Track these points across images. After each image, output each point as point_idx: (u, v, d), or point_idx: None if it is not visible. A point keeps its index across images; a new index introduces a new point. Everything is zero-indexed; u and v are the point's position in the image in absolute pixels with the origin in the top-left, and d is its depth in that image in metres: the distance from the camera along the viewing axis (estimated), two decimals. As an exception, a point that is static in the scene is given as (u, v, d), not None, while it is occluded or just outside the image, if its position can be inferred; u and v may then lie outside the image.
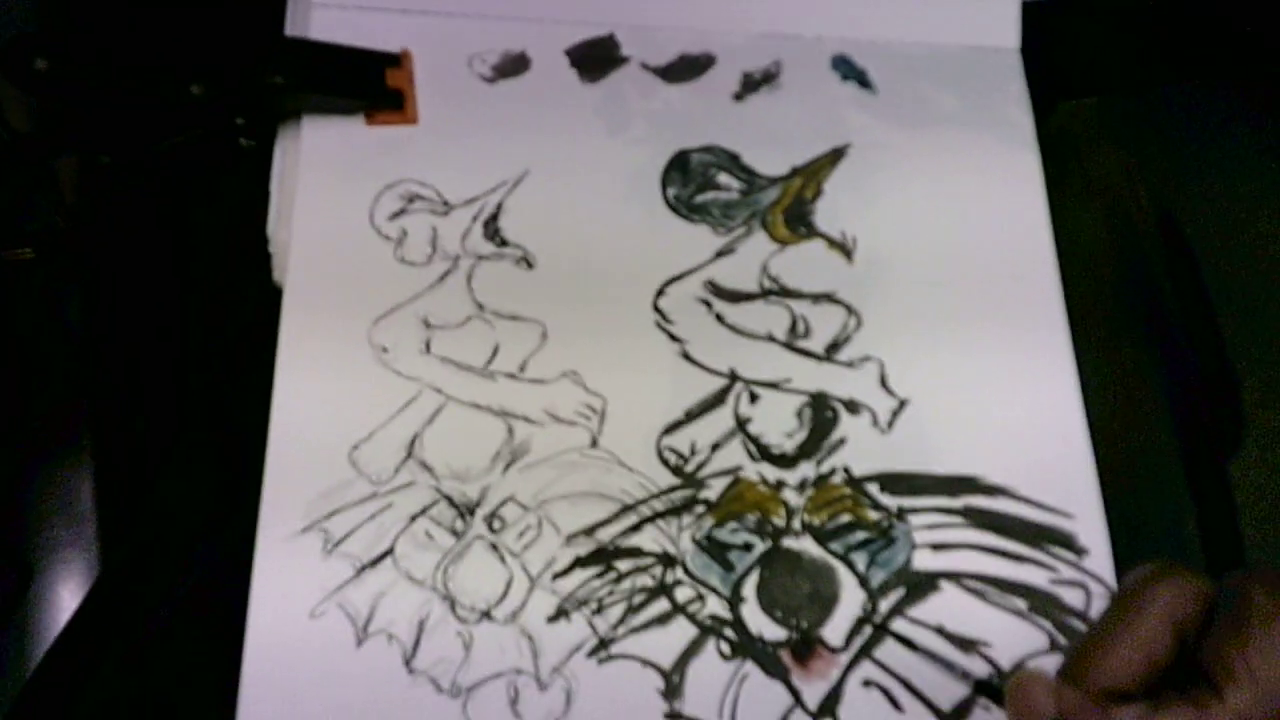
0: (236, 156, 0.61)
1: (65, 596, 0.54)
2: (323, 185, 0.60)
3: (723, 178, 0.64)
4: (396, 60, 0.64)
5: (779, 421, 0.58)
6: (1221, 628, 0.37)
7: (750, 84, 0.67)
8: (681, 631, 0.53)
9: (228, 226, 0.61)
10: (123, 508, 0.56)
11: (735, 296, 0.61)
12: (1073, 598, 0.55)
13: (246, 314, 0.58)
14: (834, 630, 0.53)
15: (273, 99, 0.61)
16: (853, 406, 0.58)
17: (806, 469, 0.57)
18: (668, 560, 0.54)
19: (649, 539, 0.55)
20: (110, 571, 0.54)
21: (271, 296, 0.58)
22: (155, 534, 0.55)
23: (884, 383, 0.59)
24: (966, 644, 0.54)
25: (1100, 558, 0.55)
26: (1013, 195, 0.65)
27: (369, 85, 0.63)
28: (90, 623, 0.53)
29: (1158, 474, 0.59)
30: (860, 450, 0.57)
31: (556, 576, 0.54)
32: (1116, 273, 0.65)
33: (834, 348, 0.60)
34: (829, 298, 0.61)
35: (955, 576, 0.55)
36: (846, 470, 0.57)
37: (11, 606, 0.53)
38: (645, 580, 0.54)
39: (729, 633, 0.53)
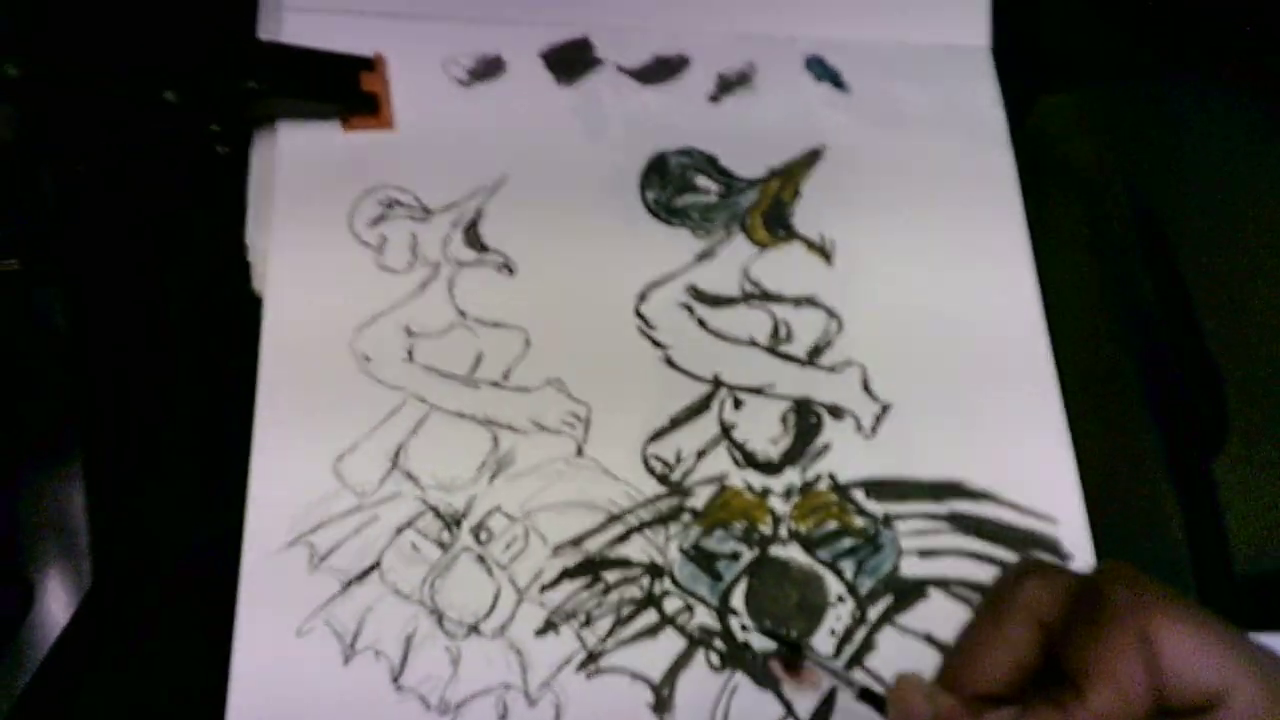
0: (213, 164, 0.60)
1: (57, 610, 0.53)
2: (300, 192, 0.60)
3: (701, 180, 0.63)
4: (371, 64, 0.63)
5: (763, 427, 0.58)
6: (1080, 628, 0.36)
7: (725, 85, 0.66)
8: (670, 643, 0.53)
9: (206, 234, 0.60)
10: (114, 519, 0.55)
11: (717, 301, 0.61)
12: (1057, 602, 0.55)
13: (227, 324, 0.57)
14: (824, 639, 0.53)
15: (247, 104, 0.60)
16: (836, 412, 0.58)
17: (792, 475, 0.57)
18: (655, 571, 0.54)
19: (636, 549, 0.54)
20: (99, 586, 0.53)
21: (252, 305, 0.57)
22: (146, 547, 0.54)
23: (866, 387, 0.59)
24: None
25: (1084, 562, 0.56)
26: (987, 194, 0.65)
27: (344, 89, 0.62)
28: (80, 636, 0.52)
29: (1141, 474, 0.60)
30: (845, 456, 0.57)
31: (544, 588, 0.53)
32: (1094, 268, 0.65)
33: (816, 352, 0.60)
34: (810, 301, 0.61)
35: (943, 583, 0.55)
36: (832, 477, 0.57)
37: (15, 626, 0.52)
38: (633, 591, 0.54)
39: (718, 643, 0.53)
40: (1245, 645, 0.35)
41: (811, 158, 0.65)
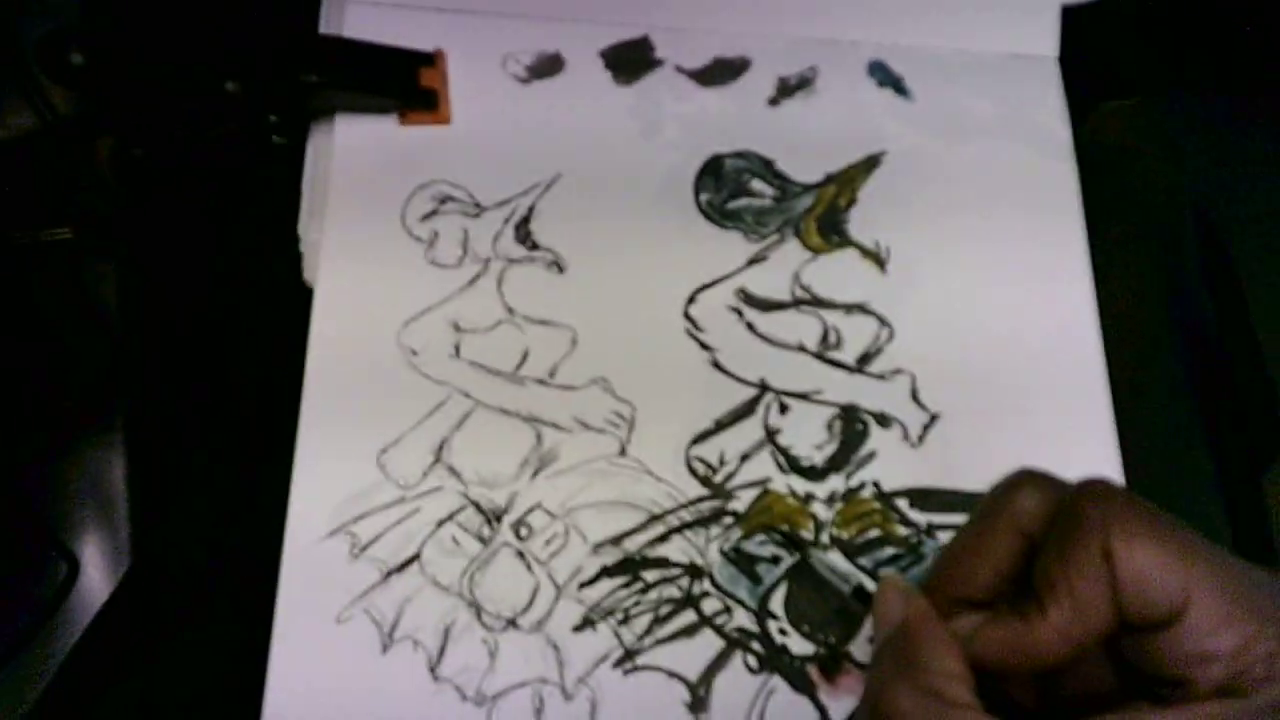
0: (269, 154, 0.61)
1: (97, 580, 0.54)
2: (355, 185, 0.61)
3: (756, 184, 0.64)
4: (430, 60, 0.64)
5: (809, 433, 0.58)
6: (1050, 543, 0.37)
7: (785, 89, 0.66)
8: (708, 643, 0.53)
9: (259, 224, 0.61)
10: (155, 492, 0.56)
11: (767, 305, 0.61)
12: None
13: (278, 313, 0.58)
14: (863, 646, 0.53)
15: (306, 97, 0.61)
16: (883, 420, 0.58)
17: (836, 482, 0.57)
18: (695, 571, 0.55)
19: (676, 549, 0.55)
20: (141, 564, 0.54)
21: (302, 295, 0.58)
22: (185, 527, 0.55)
23: (915, 396, 0.59)
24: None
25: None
26: (1049, 206, 0.65)
27: (402, 84, 0.63)
28: (120, 613, 0.53)
29: (1191, 489, 0.59)
30: (890, 464, 0.57)
31: (583, 585, 0.54)
32: (1152, 279, 0.65)
33: (865, 359, 0.60)
34: (861, 308, 0.61)
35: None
36: (876, 485, 0.57)
37: (60, 598, 0.53)
38: (672, 591, 0.54)
39: (756, 646, 0.53)
40: (1207, 557, 0.36)
41: (870, 164, 0.65)
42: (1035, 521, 0.39)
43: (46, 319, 0.59)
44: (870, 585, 0.45)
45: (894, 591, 0.41)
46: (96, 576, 0.55)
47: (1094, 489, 0.38)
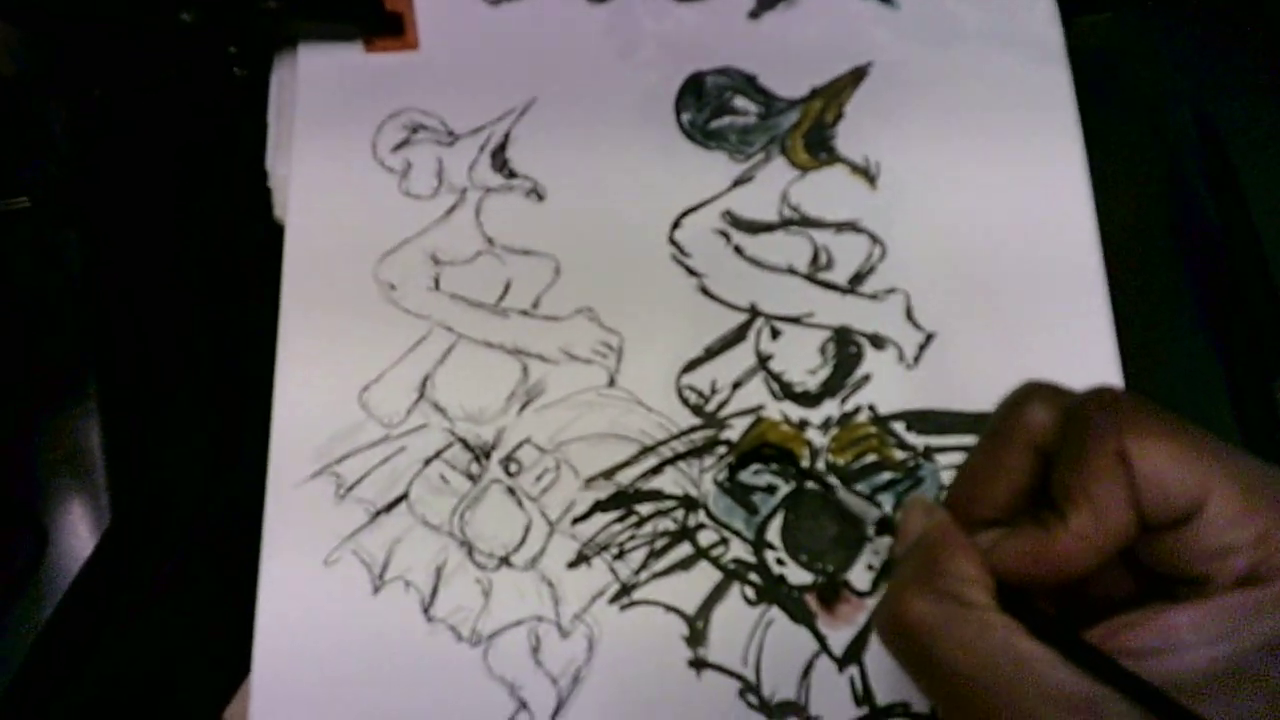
0: (231, 88, 0.62)
1: (76, 547, 0.56)
2: (322, 117, 0.61)
3: (739, 101, 0.64)
4: (396, -19, 0.64)
5: (802, 358, 0.59)
6: (1064, 453, 0.39)
7: (766, 0, 0.67)
8: (705, 576, 0.55)
9: (225, 162, 0.62)
10: (132, 456, 0.57)
11: (754, 227, 0.62)
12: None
13: (249, 253, 0.59)
14: (861, 574, 0.55)
15: (266, 25, 0.61)
16: (877, 341, 0.60)
17: (830, 407, 0.58)
18: (689, 503, 0.56)
19: (670, 481, 0.56)
20: (120, 521, 0.56)
21: (274, 234, 0.59)
22: (164, 482, 0.57)
23: (910, 316, 0.60)
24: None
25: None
26: (1042, 113, 0.65)
27: (367, 9, 0.63)
28: (101, 573, 0.55)
29: (1198, 399, 0.61)
30: (885, 387, 0.59)
31: (576, 521, 0.55)
32: (1155, 189, 0.66)
33: (857, 279, 0.61)
34: (852, 226, 0.62)
35: (985, 516, 0.56)
36: (871, 408, 0.58)
37: (30, 570, 0.55)
38: (667, 524, 0.56)
39: (754, 577, 0.55)
40: (1221, 453, 0.37)
41: (856, 76, 0.66)
42: (1047, 435, 0.40)
43: (12, 289, 0.60)
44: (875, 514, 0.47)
45: (918, 508, 0.42)
46: (76, 544, 0.56)
47: (1103, 395, 0.39)
